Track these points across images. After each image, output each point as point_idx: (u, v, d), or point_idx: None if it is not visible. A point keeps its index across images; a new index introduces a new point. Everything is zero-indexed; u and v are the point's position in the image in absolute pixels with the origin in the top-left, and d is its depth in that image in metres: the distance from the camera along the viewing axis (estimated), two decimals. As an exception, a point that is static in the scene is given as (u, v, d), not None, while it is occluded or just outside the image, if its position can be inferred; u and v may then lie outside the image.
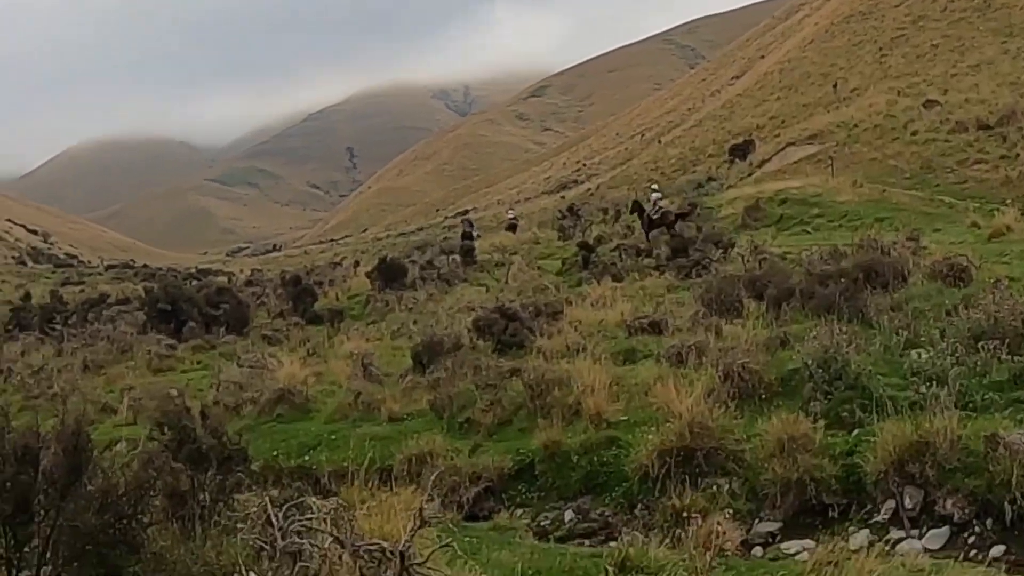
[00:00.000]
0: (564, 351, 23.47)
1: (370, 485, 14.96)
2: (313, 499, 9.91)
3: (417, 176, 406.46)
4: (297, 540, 8.96)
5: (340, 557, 8.88)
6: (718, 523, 12.25)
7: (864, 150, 74.34)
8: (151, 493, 8.07)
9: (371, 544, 8.95)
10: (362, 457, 17.46)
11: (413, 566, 8.83)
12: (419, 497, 11.33)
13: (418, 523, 9.09)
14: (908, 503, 13.03)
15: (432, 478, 13.30)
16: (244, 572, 8.78)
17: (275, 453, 21.00)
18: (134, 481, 7.80)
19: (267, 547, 9.14)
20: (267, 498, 9.84)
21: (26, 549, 7.59)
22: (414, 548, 8.95)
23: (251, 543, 9.56)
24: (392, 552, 8.80)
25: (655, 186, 64.66)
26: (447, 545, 9.51)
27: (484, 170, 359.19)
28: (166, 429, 12.00)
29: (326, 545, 8.93)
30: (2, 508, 7.39)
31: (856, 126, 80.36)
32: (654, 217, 53.08)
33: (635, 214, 56.64)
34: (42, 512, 7.54)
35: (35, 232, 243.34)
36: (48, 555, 7.63)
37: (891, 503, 13.23)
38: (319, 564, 8.75)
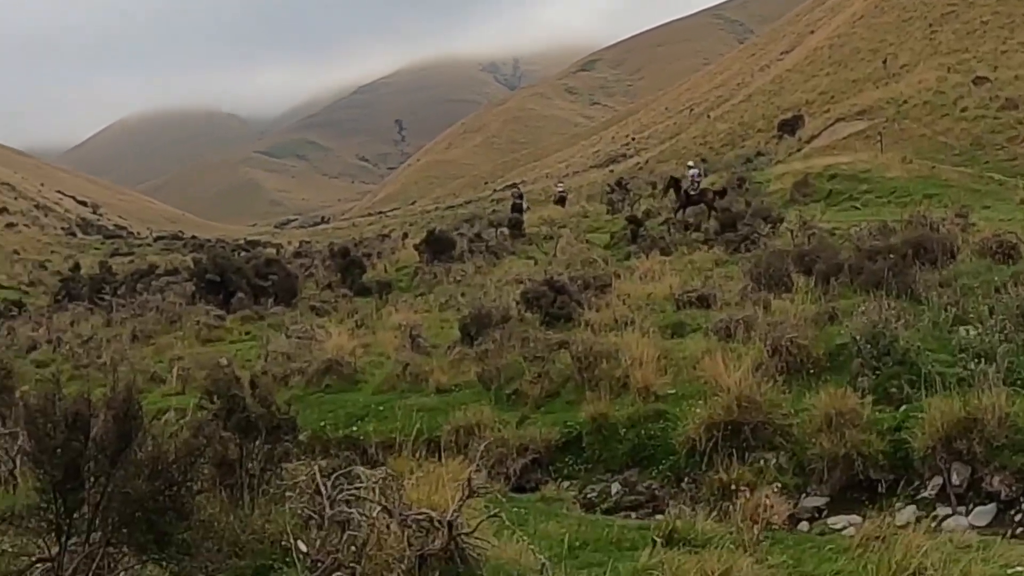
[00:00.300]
0: (612, 324, 23.41)
1: (417, 456, 15.02)
2: (362, 468, 9.91)
3: (466, 149, 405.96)
4: (345, 509, 8.95)
5: (388, 526, 8.87)
6: (766, 496, 12.23)
7: (913, 126, 73.86)
8: (200, 461, 8.05)
9: (419, 514, 8.95)
10: (410, 428, 17.55)
11: (461, 536, 8.83)
12: (467, 468, 11.30)
13: (466, 493, 9.08)
14: (955, 479, 12.96)
15: (480, 449, 13.23)
16: (292, 540, 8.78)
17: (323, 424, 21.05)
18: (184, 448, 7.81)
19: (315, 516, 9.15)
20: (316, 467, 9.84)
21: (76, 515, 7.61)
22: (462, 518, 8.93)
23: (299, 512, 9.57)
24: (440, 522, 8.81)
25: (691, 163, 64.42)
26: (495, 515, 9.49)
27: (533, 144, 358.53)
28: (215, 398, 12.01)
29: (374, 514, 8.91)
30: (53, 474, 7.41)
31: (906, 102, 79.83)
32: (692, 193, 52.83)
33: (670, 190, 56.28)
34: (92, 479, 7.56)
35: (85, 203, 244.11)
36: (97, 521, 7.64)
37: (938, 479, 13.16)
38: (367, 533, 8.73)
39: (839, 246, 28.65)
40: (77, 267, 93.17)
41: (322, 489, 9.17)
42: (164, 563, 7.88)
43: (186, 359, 31.36)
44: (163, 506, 7.52)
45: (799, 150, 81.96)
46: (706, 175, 73.43)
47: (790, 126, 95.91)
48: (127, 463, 7.53)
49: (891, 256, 23.55)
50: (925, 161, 60.67)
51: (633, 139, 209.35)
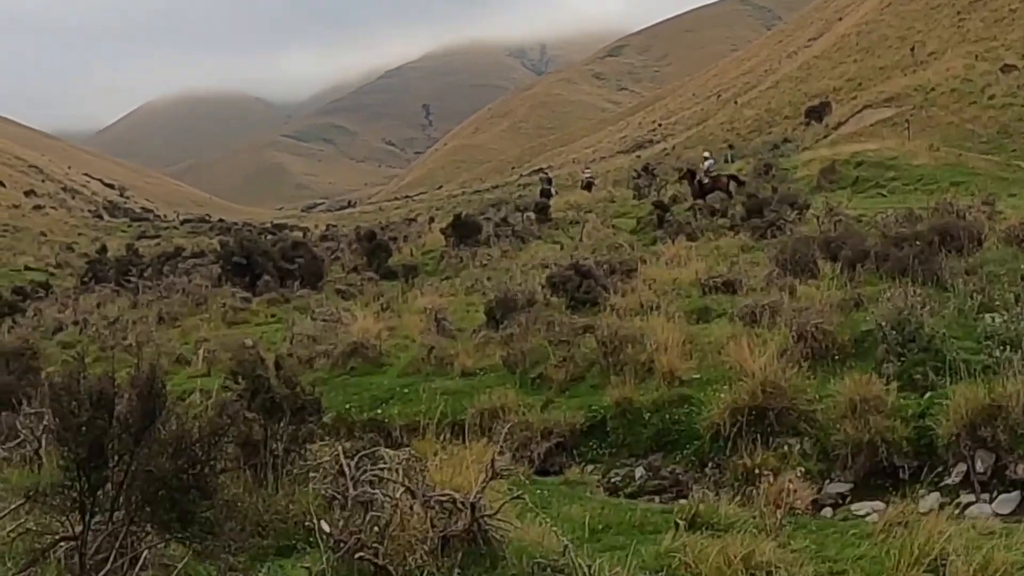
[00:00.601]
0: (638, 309, 23.36)
1: (442, 438, 15.03)
2: (386, 450, 9.93)
3: (493, 134, 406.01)
4: (369, 490, 8.96)
5: (411, 507, 8.89)
6: (789, 481, 12.21)
7: (941, 114, 73.65)
8: (224, 440, 8.06)
9: (442, 495, 8.96)
10: (434, 411, 17.52)
11: (484, 517, 8.83)
12: (490, 450, 11.31)
13: (489, 475, 9.08)
14: (979, 467, 12.92)
15: (504, 432, 13.23)
16: (315, 520, 8.80)
17: (347, 406, 21.12)
18: (207, 427, 7.82)
19: (339, 496, 9.17)
20: (340, 448, 9.86)
21: (99, 493, 7.63)
22: (485, 500, 8.93)
23: (323, 492, 9.60)
24: (463, 503, 8.81)
25: (707, 154, 64.38)
26: (518, 497, 9.49)
27: (560, 129, 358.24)
28: (240, 378, 12.04)
29: (397, 495, 8.92)
30: (77, 452, 7.42)
31: (933, 90, 79.60)
32: (705, 183, 52.85)
33: (684, 182, 56.32)
34: (116, 457, 7.57)
35: (112, 186, 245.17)
36: (121, 499, 7.66)
37: (962, 466, 13.12)
38: (390, 514, 8.74)
39: (865, 233, 28.52)
40: (104, 249, 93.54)
41: (346, 470, 9.19)
42: (187, 541, 7.90)
43: (212, 341, 31.43)
44: (186, 485, 7.53)
45: (826, 137, 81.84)
46: (733, 161, 73.49)
47: (817, 113, 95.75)
48: (151, 441, 7.55)
49: (917, 243, 23.44)
50: (952, 149, 60.46)
51: (660, 125, 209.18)
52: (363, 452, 9.74)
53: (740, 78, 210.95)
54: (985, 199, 37.02)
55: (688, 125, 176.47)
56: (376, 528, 8.66)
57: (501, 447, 14.02)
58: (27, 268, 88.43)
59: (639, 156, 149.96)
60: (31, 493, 7.76)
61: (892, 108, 79.97)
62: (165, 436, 7.60)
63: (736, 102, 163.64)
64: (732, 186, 52.08)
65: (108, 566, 7.62)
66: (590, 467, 16.86)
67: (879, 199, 48.32)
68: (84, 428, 7.43)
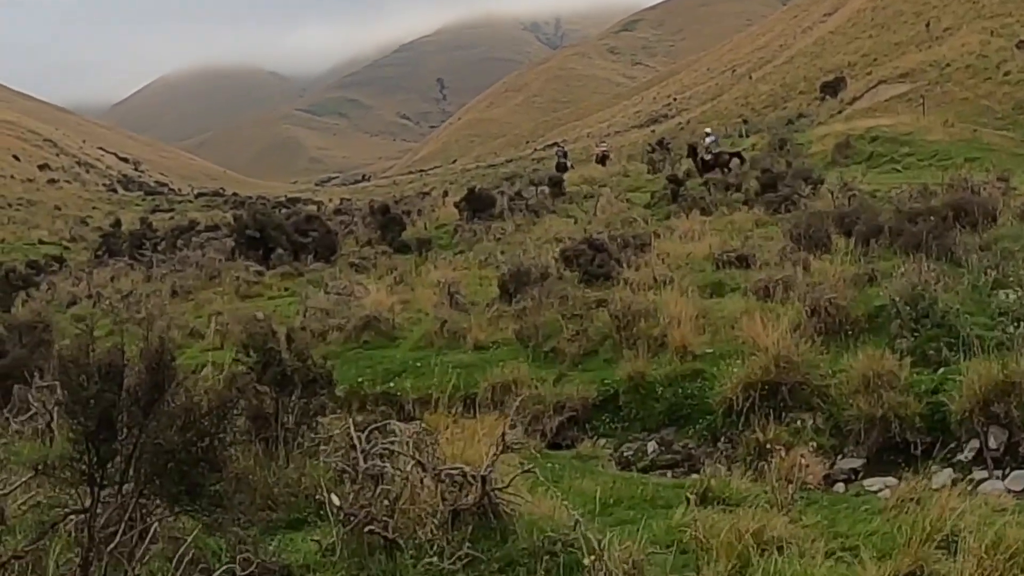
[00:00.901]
0: (651, 283, 23.32)
1: (454, 412, 15.01)
2: (396, 423, 9.90)
3: (507, 108, 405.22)
4: (379, 463, 8.94)
5: (422, 481, 8.87)
6: (801, 457, 12.16)
7: (956, 90, 73.37)
8: (233, 413, 8.03)
9: (453, 469, 8.93)
10: (446, 384, 17.51)
11: (494, 491, 8.79)
12: (502, 424, 11.28)
13: (500, 449, 9.04)
14: (992, 443, 12.87)
15: (515, 405, 13.22)
16: (325, 494, 8.78)
17: (360, 379, 21.12)
18: (216, 400, 7.78)
19: (349, 470, 9.13)
20: (350, 421, 9.84)
21: (109, 466, 7.60)
22: (495, 473, 8.90)
23: (334, 466, 9.57)
24: (474, 477, 8.77)
25: (708, 130, 64.24)
26: (529, 471, 9.46)
27: (574, 103, 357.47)
28: (251, 352, 12.01)
29: (408, 469, 8.90)
30: (86, 425, 7.39)
31: (948, 65, 79.31)
32: (707, 159, 52.80)
33: (691, 157, 56.30)
34: (125, 429, 7.54)
35: (126, 160, 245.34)
36: (130, 472, 7.64)
37: (975, 443, 13.09)
38: (400, 487, 8.72)
39: (879, 208, 28.46)
40: (118, 223, 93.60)
41: (356, 443, 9.17)
42: (195, 515, 7.88)
43: (225, 314, 31.38)
44: (195, 457, 7.50)
45: (841, 112, 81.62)
46: (747, 136, 73.32)
47: (832, 88, 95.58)
48: (160, 414, 7.51)
49: (931, 219, 23.42)
50: (967, 124, 60.29)
51: (675, 99, 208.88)
52: (374, 425, 9.72)
53: (755, 53, 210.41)
54: (1000, 175, 36.93)
55: (702, 100, 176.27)
56: (386, 502, 8.65)
57: (511, 420, 14.04)
58: (41, 242, 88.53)
59: (654, 131, 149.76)
60: (40, 466, 7.74)
61: (907, 83, 79.72)
62: (174, 408, 7.56)
63: (751, 77, 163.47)
64: (735, 163, 52.06)
65: (117, 539, 7.59)
66: (602, 441, 16.86)
67: (893, 174, 48.24)
68: (93, 401, 7.40)
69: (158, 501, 7.76)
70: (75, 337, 19.50)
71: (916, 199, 28.58)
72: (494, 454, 9.02)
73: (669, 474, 15.11)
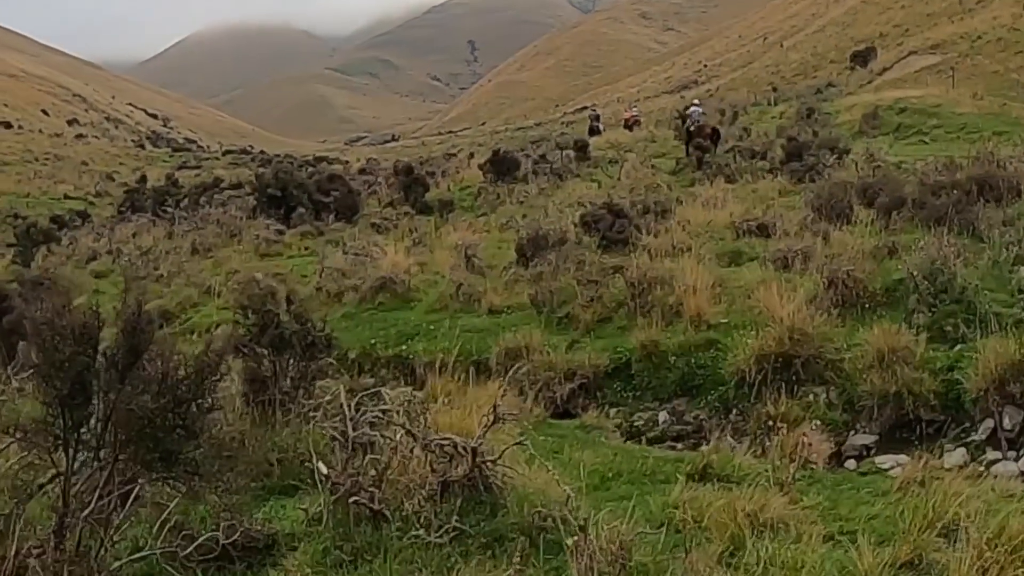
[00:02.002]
0: (670, 250, 23.07)
1: (461, 377, 14.82)
2: (386, 390, 9.69)
3: (537, 71, 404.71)
4: (368, 432, 8.72)
5: (411, 451, 8.66)
6: (804, 435, 11.91)
7: (986, 62, 73.00)
8: (213, 379, 7.79)
9: (443, 439, 8.70)
10: (459, 348, 17.35)
11: (485, 463, 8.57)
12: (508, 391, 11.07)
13: (491, 420, 8.80)
14: (1007, 423, 12.58)
15: (510, 375, 13.00)
16: (314, 461, 8.60)
17: (372, 341, 20.99)
18: (194, 366, 7.56)
19: (339, 437, 8.92)
20: (341, 387, 9.63)
21: (83, 430, 7.42)
22: (487, 445, 8.67)
23: (326, 432, 9.37)
24: (464, 448, 8.54)
25: (696, 100, 63.90)
26: (520, 443, 9.20)
27: (605, 68, 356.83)
28: (249, 313, 11.80)
29: (397, 438, 8.69)
30: (59, 389, 7.18)
31: (979, 38, 78.97)
32: (691, 130, 52.58)
33: (681, 124, 56.22)
34: (100, 394, 7.35)
35: (155, 116, 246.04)
36: (107, 437, 7.44)
37: (989, 422, 12.79)
38: (389, 457, 8.51)
39: (903, 180, 28.14)
40: (144, 179, 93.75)
41: (345, 410, 8.95)
42: (172, 481, 7.69)
43: (242, 273, 31.25)
44: (170, 424, 7.29)
45: (870, 82, 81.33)
46: (776, 104, 72.99)
47: (862, 58, 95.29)
48: (135, 379, 7.30)
49: (955, 192, 23.10)
50: (996, 98, 59.94)
51: (705, 66, 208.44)
52: (364, 392, 9.50)
53: (787, 21, 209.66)
54: (1027, 149, 36.48)
55: (733, 67, 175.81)
56: (373, 472, 8.43)
57: (520, 388, 13.79)
58: (67, 197, 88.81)
59: (683, 97, 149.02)
60: (10, 429, 7.55)
61: (938, 55, 79.36)
62: (149, 373, 7.35)
63: (782, 45, 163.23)
64: (714, 137, 51.91)
65: (92, 504, 7.41)
66: (613, 410, 16.62)
67: (921, 146, 47.86)
68: (67, 364, 7.19)
69: (134, 468, 7.58)
70: (94, 293, 19.35)
71: (941, 172, 28.22)
72: (485, 425, 8.78)
73: (680, 445, 14.92)
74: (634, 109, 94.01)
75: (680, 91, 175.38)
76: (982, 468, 11.32)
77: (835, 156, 40.00)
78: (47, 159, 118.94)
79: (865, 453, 13.50)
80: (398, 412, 9.01)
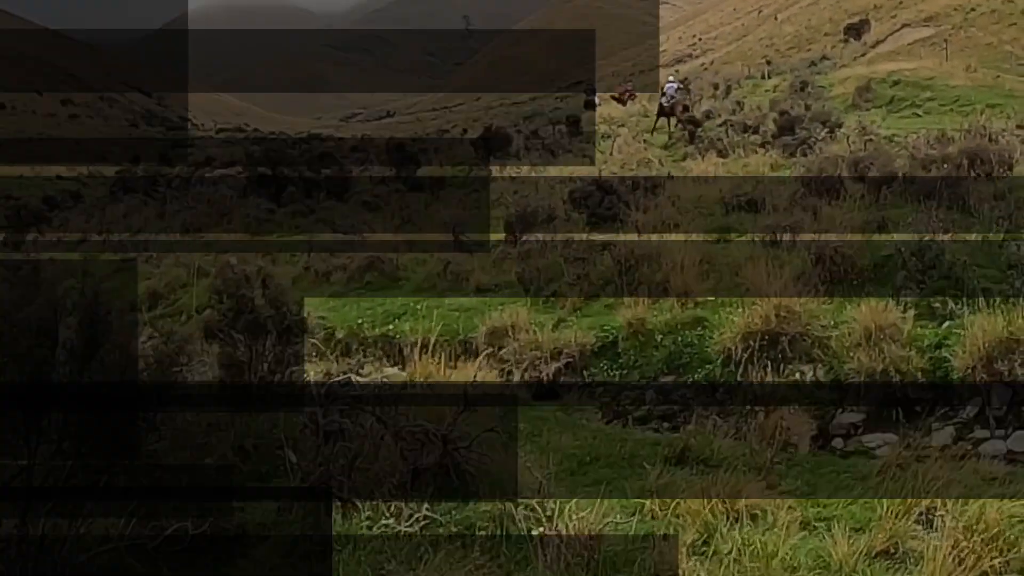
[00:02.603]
0: (658, 226, 22.91)
1: (442, 357, 14.65)
2: (356, 376, 9.56)
3: (533, 46, 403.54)
4: (338, 419, 8.57)
5: (382, 438, 8.49)
6: (781, 418, 11.78)
7: (980, 35, 72.73)
8: (174, 369, 7.66)
9: (415, 426, 8.53)
10: (445, 328, 17.21)
11: (458, 450, 8.41)
12: (489, 372, 10.94)
13: (462, 407, 8.65)
14: (995, 402, 12.47)
15: (480, 358, 12.87)
16: (285, 449, 8.46)
17: (360, 321, 20.83)
18: (154, 357, 7.43)
19: (309, 424, 8.77)
20: (311, 372, 9.49)
21: (44, 422, 7.28)
22: (459, 431, 8.52)
23: (295, 420, 9.23)
24: (435, 435, 8.38)
25: (671, 76, 63.77)
26: (492, 431, 9.02)
27: (600, 42, 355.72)
28: (224, 298, 11.64)
29: (367, 425, 8.53)
30: (18, 381, 7.04)
31: (973, 10, 78.73)
32: (665, 105, 52.56)
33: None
34: (58, 387, 7.21)
35: (149, 95, 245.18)
36: (68, 429, 7.30)
37: (977, 400, 12.66)
38: (359, 445, 8.35)
39: (894, 154, 27.99)
40: (136, 159, 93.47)
41: (315, 396, 8.81)
42: (133, 475, 7.56)
43: (231, 253, 31.13)
44: (130, 416, 7.16)
45: (864, 55, 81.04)
46: (769, 77, 72.85)
47: (856, 30, 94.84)
48: (94, 371, 7.16)
49: (946, 166, 22.96)
50: (990, 70, 59.67)
51: (699, 40, 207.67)
52: (336, 379, 9.37)
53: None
54: (1020, 122, 36.37)
55: (728, 40, 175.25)
56: (344, 460, 8.28)
57: (476, 374, 13.61)
58: (59, 178, 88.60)
59: (677, 71, 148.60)
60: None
61: (931, 27, 79.14)
62: (109, 365, 7.20)
63: (776, 18, 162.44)
64: (684, 115, 51.98)
65: (55, 497, 7.28)
66: (599, 389, 16.48)
67: (914, 119, 47.61)
68: (24, 356, 7.05)
69: (96, 461, 7.44)
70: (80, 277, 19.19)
71: (932, 145, 28.07)
72: (456, 411, 8.63)
73: (666, 424, 14.83)
74: (629, 84, 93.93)
75: (674, 65, 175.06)
76: (969, 447, 11.22)
77: (827, 130, 39.88)
78: (40, 139, 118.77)
79: (853, 432, 13.42)
80: (368, 399, 8.86)
